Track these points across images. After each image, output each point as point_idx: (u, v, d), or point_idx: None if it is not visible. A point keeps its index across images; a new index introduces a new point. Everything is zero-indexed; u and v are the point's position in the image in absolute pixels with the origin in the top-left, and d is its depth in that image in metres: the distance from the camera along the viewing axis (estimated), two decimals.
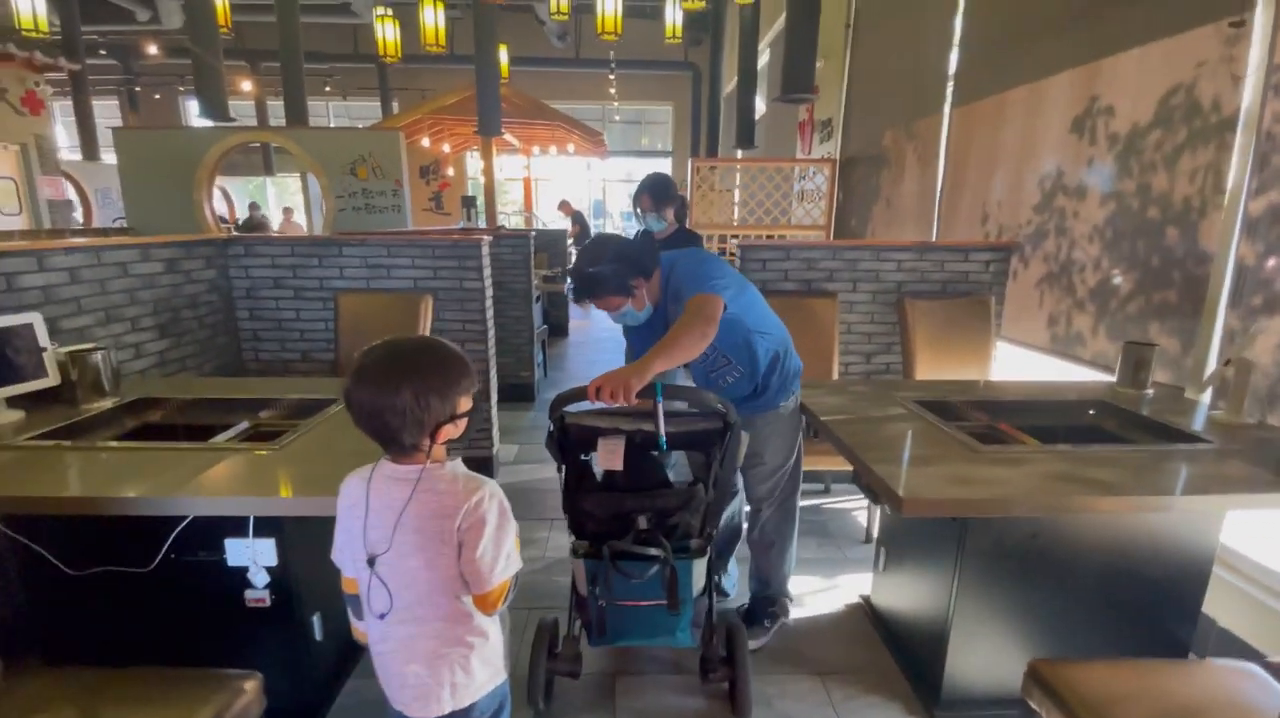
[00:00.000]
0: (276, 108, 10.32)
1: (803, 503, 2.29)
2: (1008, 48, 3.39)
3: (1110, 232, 2.58)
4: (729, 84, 9.26)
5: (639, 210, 3.01)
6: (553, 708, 1.89)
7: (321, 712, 1.85)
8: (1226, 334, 2.09)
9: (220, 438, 1.93)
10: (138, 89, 13.86)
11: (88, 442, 1.81)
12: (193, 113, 13.14)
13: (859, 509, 3.08)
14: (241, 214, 12.02)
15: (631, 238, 2.13)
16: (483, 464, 3.45)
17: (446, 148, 10.92)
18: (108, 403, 2.02)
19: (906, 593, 2.11)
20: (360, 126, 10.70)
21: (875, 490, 1.56)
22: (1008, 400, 2.21)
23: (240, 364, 3.33)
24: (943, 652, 1.82)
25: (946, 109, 3.97)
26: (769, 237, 5.55)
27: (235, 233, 9.10)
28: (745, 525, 2.31)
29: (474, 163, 12.37)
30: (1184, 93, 2.24)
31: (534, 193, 12.84)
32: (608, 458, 1.61)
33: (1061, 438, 1.90)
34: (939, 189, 4.04)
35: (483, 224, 7.20)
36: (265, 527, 1.59)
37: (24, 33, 5.71)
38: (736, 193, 6.08)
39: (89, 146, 10.07)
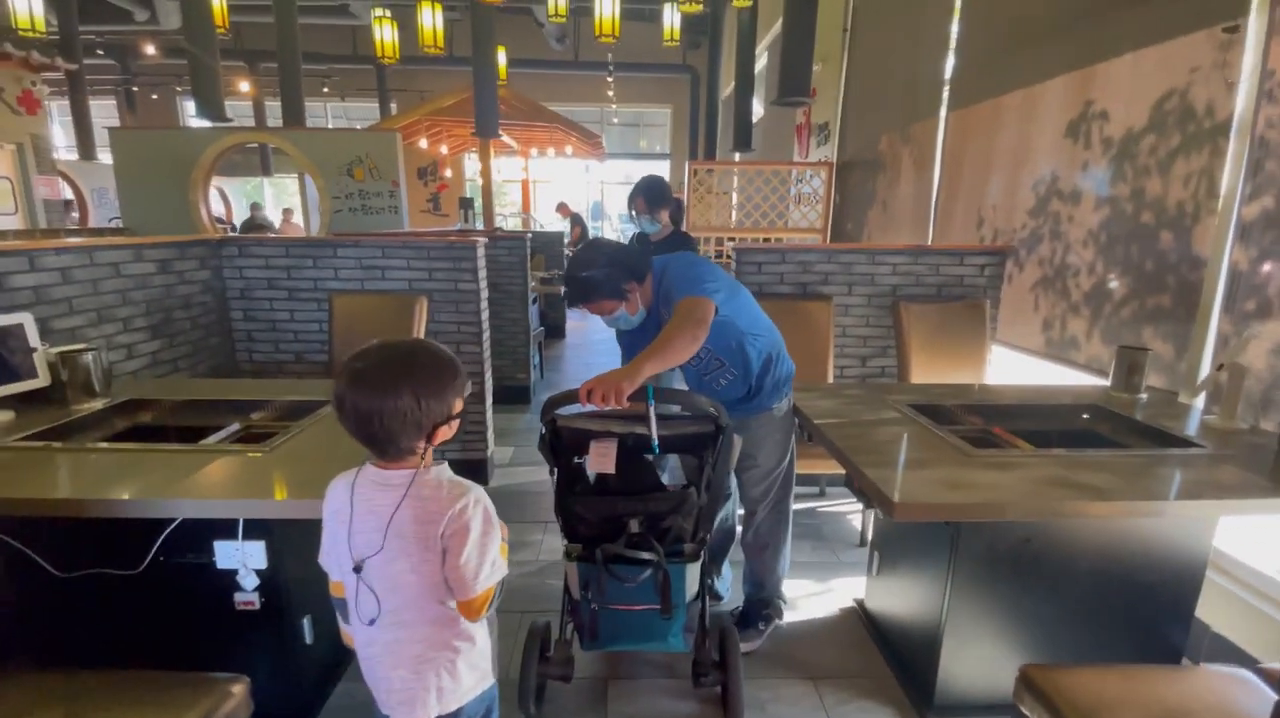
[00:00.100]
0: (275, 108, 10.32)
1: (797, 507, 2.29)
2: (1003, 52, 3.40)
3: (1104, 236, 2.58)
4: (727, 87, 9.27)
5: (633, 213, 3.02)
6: (544, 712, 1.88)
7: (312, 715, 1.84)
8: (1220, 339, 2.09)
9: (211, 439, 1.92)
10: (135, 89, 13.85)
11: (77, 443, 1.80)
12: (190, 113, 13.12)
13: (854, 513, 3.08)
14: (239, 214, 12.01)
15: (626, 242, 2.13)
16: (477, 466, 3.44)
17: (444, 149, 10.93)
18: (98, 404, 2.01)
19: (900, 597, 2.10)
20: (358, 128, 10.71)
21: (867, 494, 1.55)
22: (1002, 404, 2.21)
23: (234, 365, 3.32)
24: (935, 656, 1.81)
25: (942, 113, 3.98)
26: (766, 240, 5.55)
27: (235, 233, 9.11)
28: (739, 528, 2.30)
29: (472, 165, 12.39)
30: (1178, 98, 2.25)
31: (532, 195, 12.85)
32: (599, 461, 1.60)
33: (1055, 442, 1.91)
34: (935, 193, 4.04)
35: (480, 226, 7.19)
36: (255, 529, 1.58)
37: (21, 32, 5.69)
38: (734, 196, 6.09)
39: (85, 146, 10.06)
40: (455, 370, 1.13)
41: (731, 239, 5.51)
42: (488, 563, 1.10)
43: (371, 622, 1.11)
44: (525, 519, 3.02)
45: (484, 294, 3.35)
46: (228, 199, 12.19)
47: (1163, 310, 2.31)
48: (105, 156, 8.83)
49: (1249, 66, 2.00)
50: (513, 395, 4.80)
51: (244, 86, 12.07)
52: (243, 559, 1.60)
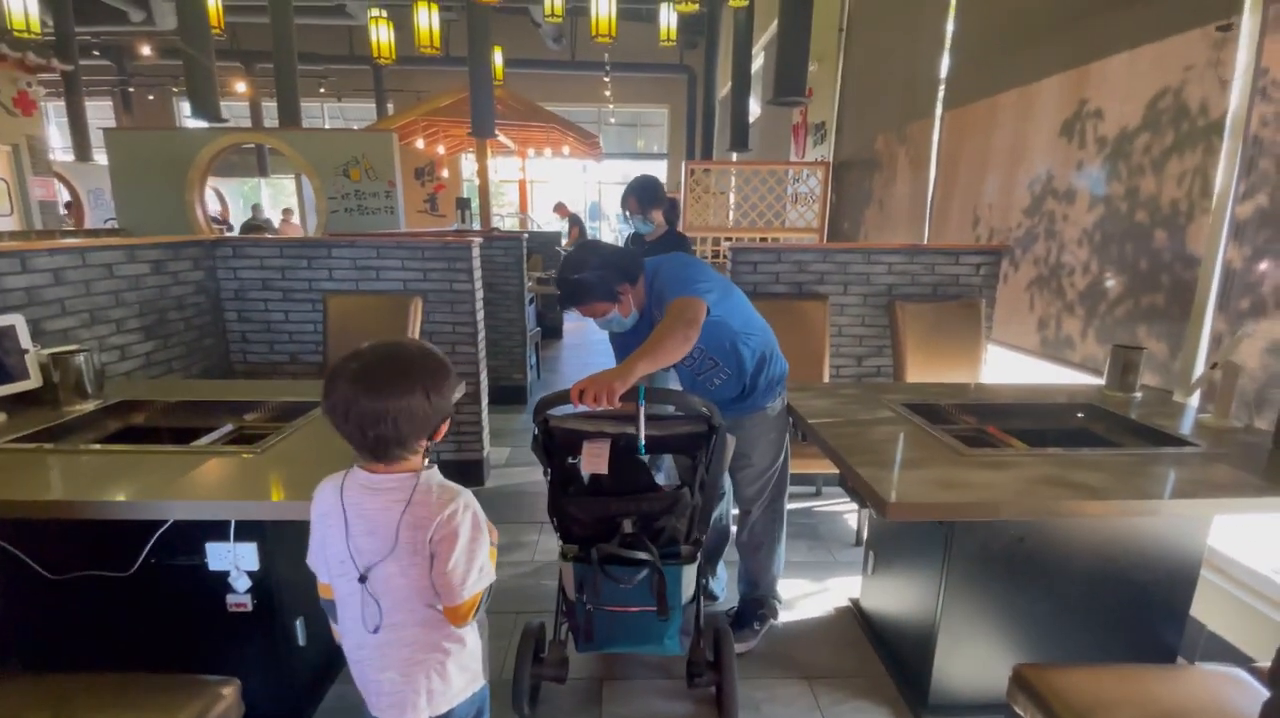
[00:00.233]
0: (271, 109, 10.30)
1: (793, 506, 2.29)
2: (998, 51, 3.40)
3: (1099, 235, 2.58)
4: (724, 87, 9.27)
5: (626, 213, 3.01)
6: (538, 713, 1.88)
7: (304, 717, 1.84)
8: (1214, 338, 2.09)
9: (204, 441, 1.91)
10: (131, 90, 13.83)
11: (69, 445, 1.79)
12: (186, 114, 13.13)
13: (849, 512, 3.08)
14: (235, 214, 11.99)
15: (622, 242, 2.13)
16: (473, 467, 3.44)
17: (441, 150, 10.92)
18: (90, 405, 2.00)
19: (894, 597, 2.10)
20: (355, 128, 10.70)
21: (860, 494, 1.55)
22: (996, 404, 2.21)
23: (228, 366, 3.31)
24: (930, 656, 1.81)
25: (938, 112, 3.98)
26: (763, 239, 5.55)
27: (233, 233, 9.09)
28: (734, 528, 2.30)
29: (469, 165, 12.38)
30: (1172, 96, 2.25)
31: (529, 195, 12.85)
32: (592, 461, 1.60)
33: (1050, 441, 1.90)
34: (930, 192, 4.04)
35: (477, 226, 7.19)
36: (247, 531, 1.58)
37: (16, 33, 5.68)
38: (731, 196, 6.09)
39: (81, 147, 10.04)
40: (450, 368, 1.14)
41: (728, 239, 5.51)
42: (475, 569, 1.09)
43: (376, 629, 1.10)
44: (521, 520, 3.01)
45: (479, 294, 3.34)
46: (224, 199, 12.17)
47: (1157, 309, 2.31)
48: (101, 157, 8.82)
49: (1243, 65, 2.00)
50: (509, 396, 4.79)
51: (240, 87, 12.06)
52: (235, 561, 1.59)
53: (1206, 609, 1.96)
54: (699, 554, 1.72)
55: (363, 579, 1.08)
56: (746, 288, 3.13)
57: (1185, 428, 1.91)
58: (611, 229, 15.69)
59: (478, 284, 3.32)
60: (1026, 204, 3.05)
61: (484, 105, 6.10)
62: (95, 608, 1.68)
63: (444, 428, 1.14)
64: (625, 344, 1.98)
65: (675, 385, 2.38)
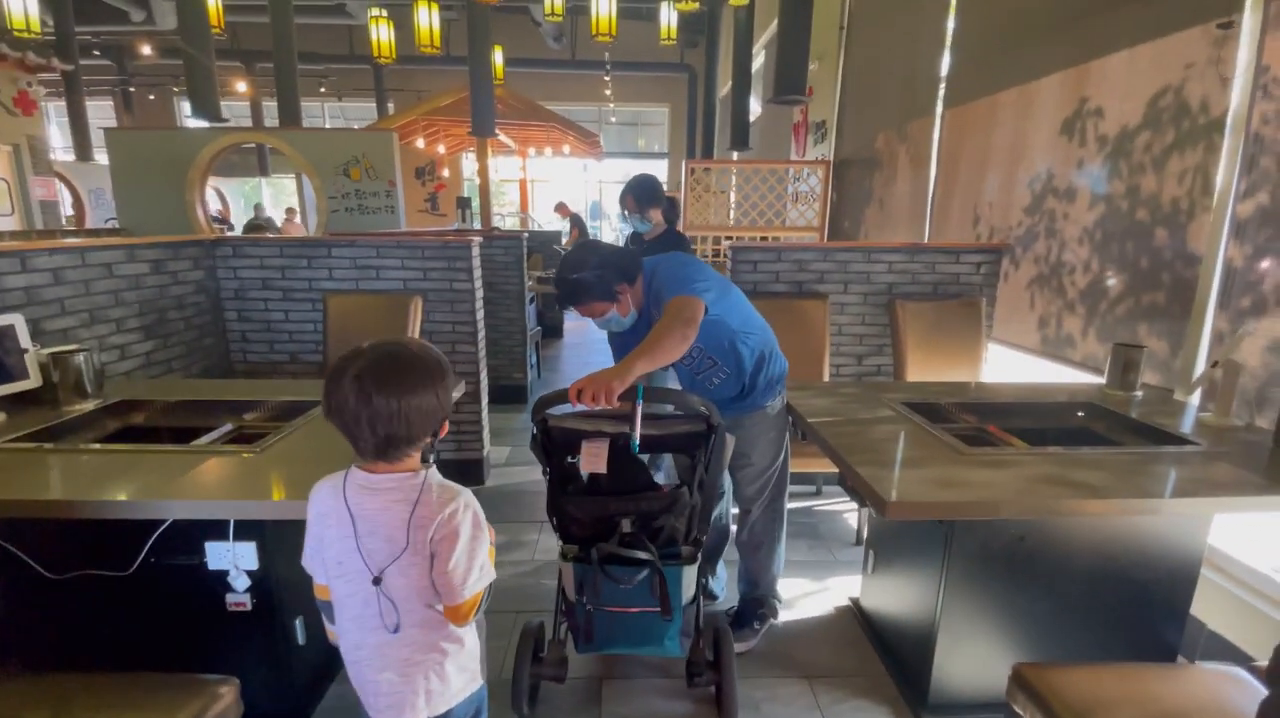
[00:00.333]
0: (271, 108, 10.30)
1: (793, 505, 2.28)
2: (999, 50, 3.39)
3: (1100, 233, 2.57)
4: (724, 86, 9.26)
5: (625, 212, 3.01)
6: (538, 713, 1.88)
7: (303, 717, 1.84)
8: (1215, 336, 2.09)
9: (203, 440, 1.91)
10: (132, 90, 13.83)
11: (68, 444, 1.79)
12: (187, 113, 13.13)
13: (850, 512, 3.07)
14: (236, 214, 12.00)
15: (622, 242, 2.13)
16: (473, 466, 3.44)
17: (442, 149, 10.92)
18: (89, 405, 2.00)
19: (894, 596, 2.10)
20: (355, 128, 10.70)
21: (860, 493, 1.55)
22: (997, 403, 2.21)
23: (228, 366, 3.31)
24: (930, 655, 1.81)
25: (938, 111, 3.97)
26: (763, 238, 5.54)
27: (234, 233, 9.10)
28: (734, 527, 2.30)
29: (470, 164, 12.38)
30: (1173, 94, 2.24)
31: (530, 194, 12.85)
32: (591, 461, 1.60)
33: (1050, 440, 1.90)
34: (931, 190, 4.04)
35: (478, 225, 7.19)
36: (246, 530, 1.58)
37: (16, 33, 5.68)
38: (731, 195, 6.08)
39: (82, 147, 10.04)
40: (449, 365, 1.15)
41: (729, 238, 5.50)
42: (476, 568, 1.09)
43: (396, 628, 1.09)
44: (521, 519, 3.01)
45: (479, 294, 3.34)
46: (225, 199, 12.18)
47: (1158, 308, 2.30)
48: (102, 157, 8.82)
49: (1243, 62, 2.00)
50: (509, 395, 4.79)
51: (240, 87, 12.06)
52: (234, 560, 1.59)
53: (1207, 608, 1.95)
54: (699, 554, 1.72)
55: (377, 582, 1.08)
56: (746, 287, 3.13)
57: (1186, 427, 1.90)
58: (612, 228, 15.68)
59: (478, 283, 3.32)
60: (1027, 203, 3.04)
61: (484, 104, 6.09)
62: (95, 607, 1.68)
63: (446, 425, 1.15)
64: (624, 344, 1.98)
65: (674, 385, 2.38)
